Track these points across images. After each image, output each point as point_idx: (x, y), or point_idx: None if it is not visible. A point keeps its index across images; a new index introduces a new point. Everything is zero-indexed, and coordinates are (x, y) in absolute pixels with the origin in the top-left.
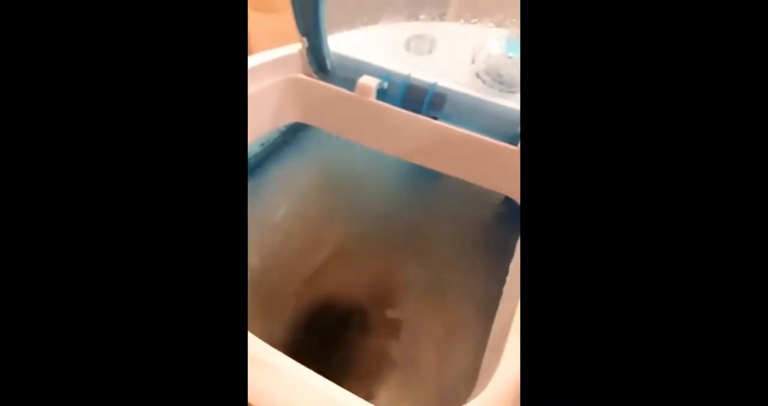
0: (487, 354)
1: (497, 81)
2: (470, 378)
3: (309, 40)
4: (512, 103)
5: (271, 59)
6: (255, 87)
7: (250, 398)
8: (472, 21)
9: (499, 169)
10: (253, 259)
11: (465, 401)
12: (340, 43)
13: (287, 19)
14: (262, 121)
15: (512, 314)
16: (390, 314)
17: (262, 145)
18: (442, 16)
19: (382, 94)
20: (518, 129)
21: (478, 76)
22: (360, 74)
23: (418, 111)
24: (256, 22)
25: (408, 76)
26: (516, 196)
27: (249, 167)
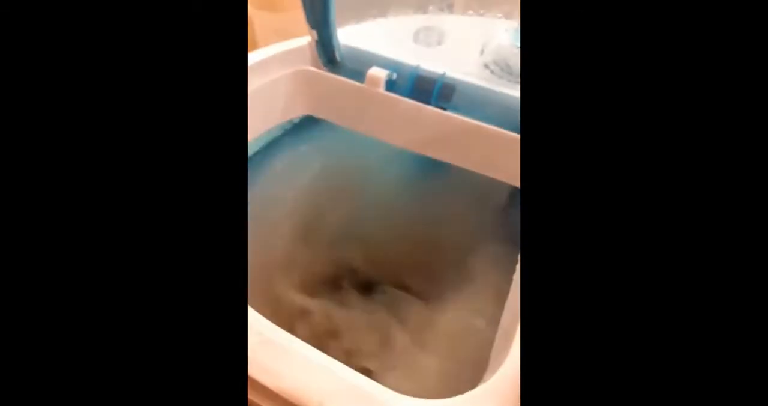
0: (497, 340)
1: (506, 71)
2: (480, 363)
3: (318, 33)
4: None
5: (280, 52)
6: (264, 80)
7: (262, 379)
8: (480, 12)
9: (509, 160)
10: (257, 252)
11: (475, 386)
12: (349, 36)
13: (292, 17)
14: (272, 113)
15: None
16: (398, 299)
17: (272, 137)
18: (450, 8)
19: (391, 85)
20: None
21: (486, 67)
22: (369, 66)
23: (427, 102)
24: (261, 19)
25: (417, 68)
26: None
27: (257, 160)
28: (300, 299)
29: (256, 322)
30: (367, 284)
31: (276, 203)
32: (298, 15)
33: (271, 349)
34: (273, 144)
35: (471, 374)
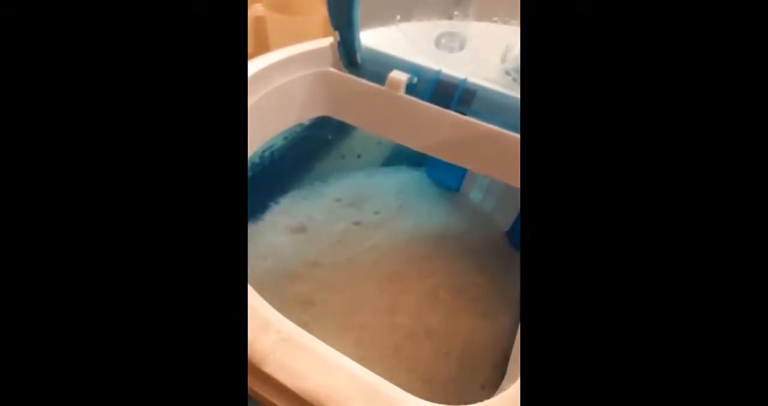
0: (516, 347)
1: None
2: (500, 370)
3: (341, 34)
4: None
5: (302, 52)
6: (284, 79)
7: (281, 378)
8: (505, 19)
9: None
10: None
11: (493, 393)
12: (371, 39)
13: (306, 20)
14: (291, 113)
15: None
16: (418, 306)
17: (285, 138)
18: (474, 15)
19: (411, 89)
20: None
21: (508, 73)
22: (390, 69)
23: (447, 107)
24: (274, 22)
25: (438, 72)
26: None
27: (272, 160)
28: None
29: (276, 320)
30: None
31: (287, 201)
32: (311, 18)
33: (290, 348)
34: (286, 144)
35: (491, 380)
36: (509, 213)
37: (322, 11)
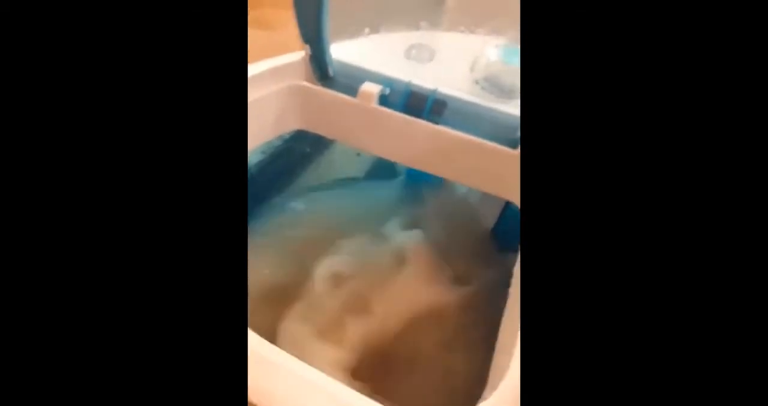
0: (496, 356)
1: (496, 87)
2: (480, 379)
3: (312, 48)
4: (511, 108)
5: (274, 67)
6: (257, 94)
7: (253, 398)
8: (472, 28)
9: (500, 174)
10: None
11: (476, 402)
12: (342, 51)
13: (282, 35)
14: (265, 128)
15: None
16: (393, 317)
17: (263, 152)
18: (443, 25)
19: (383, 100)
20: (517, 134)
21: (477, 83)
22: (362, 81)
23: (419, 117)
24: (250, 37)
25: (409, 83)
26: (517, 200)
27: (250, 175)
28: None
29: (251, 340)
30: None
31: (268, 216)
32: (283, 33)
33: (265, 368)
34: (265, 159)
35: (471, 389)
36: (493, 209)
37: (293, 26)
